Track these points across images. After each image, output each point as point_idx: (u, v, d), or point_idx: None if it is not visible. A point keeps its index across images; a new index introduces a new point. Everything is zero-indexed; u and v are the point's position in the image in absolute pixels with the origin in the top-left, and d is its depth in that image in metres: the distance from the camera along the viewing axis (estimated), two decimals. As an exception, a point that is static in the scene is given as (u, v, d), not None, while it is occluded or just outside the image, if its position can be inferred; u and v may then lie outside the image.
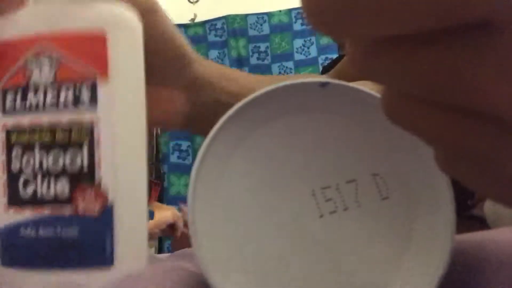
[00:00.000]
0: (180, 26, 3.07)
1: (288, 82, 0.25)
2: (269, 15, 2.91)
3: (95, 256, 0.24)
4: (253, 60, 2.88)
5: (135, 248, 0.26)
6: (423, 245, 0.25)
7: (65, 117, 0.25)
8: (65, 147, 0.25)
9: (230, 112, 0.25)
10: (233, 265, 0.25)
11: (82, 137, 0.25)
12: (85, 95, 0.25)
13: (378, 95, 0.25)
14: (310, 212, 0.26)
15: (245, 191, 0.26)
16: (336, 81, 0.25)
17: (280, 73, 2.82)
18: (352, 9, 0.12)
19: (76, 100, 0.25)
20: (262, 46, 2.89)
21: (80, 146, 0.25)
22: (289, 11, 2.87)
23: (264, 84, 0.26)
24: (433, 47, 0.12)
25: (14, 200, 0.25)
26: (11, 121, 0.25)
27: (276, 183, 0.26)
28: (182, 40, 0.40)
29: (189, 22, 3.04)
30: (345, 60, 0.44)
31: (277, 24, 2.90)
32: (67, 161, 0.24)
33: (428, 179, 0.25)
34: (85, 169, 0.25)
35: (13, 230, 0.24)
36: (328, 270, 0.26)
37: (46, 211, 0.24)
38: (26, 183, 0.25)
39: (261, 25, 2.93)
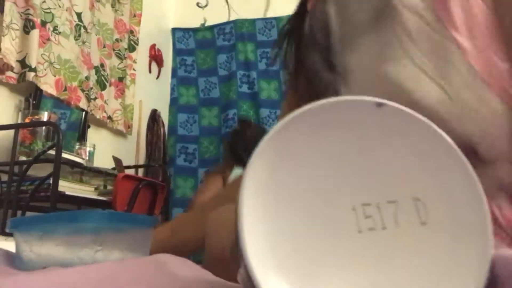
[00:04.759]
0: (189, 30, 3.09)
1: (345, 97, 0.25)
2: (278, 20, 2.91)
3: None
4: (262, 65, 2.89)
5: None
6: (456, 277, 0.25)
7: None
8: None
9: (284, 121, 0.25)
10: (271, 265, 0.25)
11: None
12: None
13: (429, 122, 0.25)
14: (349, 226, 0.26)
15: (290, 197, 0.26)
16: (392, 104, 0.25)
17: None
18: None
19: None
20: (271, 52, 2.89)
21: None
22: (298, 16, 2.88)
23: None
24: None
25: None
26: None
27: (320, 194, 0.27)
28: None
29: (199, 26, 3.05)
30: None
31: (285, 30, 2.90)
32: None
33: (469, 214, 0.25)
34: None
35: None
36: (359, 285, 0.26)
37: None
38: None
39: (270, 30, 2.93)
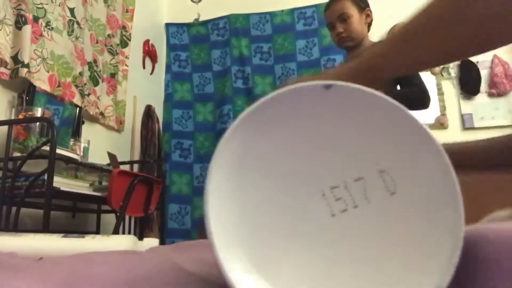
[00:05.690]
0: (182, 25, 3.07)
1: (292, 86, 0.25)
2: (272, 14, 2.90)
3: None
4: (256, 60, 2.88)
5: None
6: (433, 241, 0.24)
7: None
8: None
9: (241, 115, 0.25)
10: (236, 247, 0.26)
11: None
12: None
13: (381, 94, 0.25)
14: (322, 212, 0.26)
15: (258, 191, 0.27)
16: (340, 83, 0.25)
17: (282, 74, 2.82)
18: None
19: None
20: (265, 47, 2.89)
21: None
22: (292, 10, 2.87)
23: None
24: None
25: None
26: None
27: (287, 186, 0.27)
28: None
29: (193, 21, 3.03)
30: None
31: (279, 24, 2.89)
32: None
33: (434, 175, 0.25)
34: None
35: None
36: (341, 266, 0.26)
37: None
38: None
39: (264, 25, 2.92)
